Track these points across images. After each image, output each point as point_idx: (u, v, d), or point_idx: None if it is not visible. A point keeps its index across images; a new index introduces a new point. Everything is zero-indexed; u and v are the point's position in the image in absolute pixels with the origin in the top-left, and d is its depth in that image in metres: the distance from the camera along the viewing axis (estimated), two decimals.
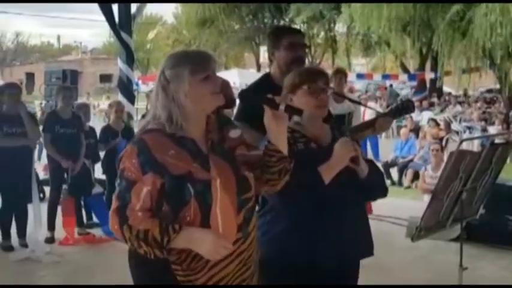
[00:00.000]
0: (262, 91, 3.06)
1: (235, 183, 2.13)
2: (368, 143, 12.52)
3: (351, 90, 20.00)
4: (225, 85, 4.79)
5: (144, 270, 2.17)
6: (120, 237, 2.06)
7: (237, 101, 3.03)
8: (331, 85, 6.08)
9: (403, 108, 3.62)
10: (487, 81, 28.94)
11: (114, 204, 2.08)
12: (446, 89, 28.76)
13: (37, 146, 6.65)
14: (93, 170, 7.60)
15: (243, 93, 2.58)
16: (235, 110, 3.36)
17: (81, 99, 15.50)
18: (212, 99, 2.14)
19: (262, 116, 2.21)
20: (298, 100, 2.58)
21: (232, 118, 3.02)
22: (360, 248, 2.66)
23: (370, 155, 12.34)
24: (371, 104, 18.21)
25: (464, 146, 9.73)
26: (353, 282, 2.76)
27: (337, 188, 2.49)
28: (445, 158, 9.87)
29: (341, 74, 6.29)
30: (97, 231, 6.76)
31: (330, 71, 6.53)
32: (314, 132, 2.62)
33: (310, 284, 2.55)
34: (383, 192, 2.76)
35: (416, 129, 15.79)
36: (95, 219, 7.31)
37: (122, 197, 2.06)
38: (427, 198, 8.53)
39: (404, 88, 29.53)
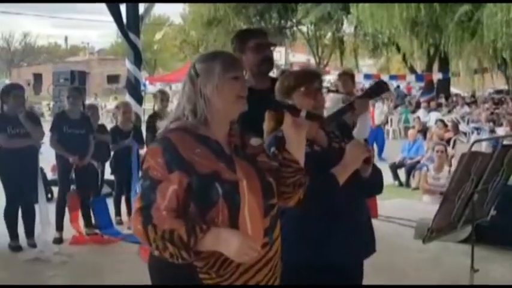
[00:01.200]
0: None
1: (261, 188, 2.08)
2: (375, 144, 12.53)
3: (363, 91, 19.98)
4: None
5: (169, 278, 2.08)
6: (143, 238, 1.97)
7: None
8: (338, 86, 6.09)
9: (377, 88, 3.67)
10: (496, 82, 28.86)
11: (137, 204, 2.01)
12: (453, 90, 28.71)
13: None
14: (103, 170, 7.61)
15: None
16: None
17: (88, 100, 15.55)
18: (237, 101, 2.10)
19: (242, 122, 2.21)
20: (294, 103, 2.56)
21: None
22: (366, 246, 2.67)
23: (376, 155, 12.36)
24: (378, 104, 18.16)
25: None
26: (359, 282, 2.76)
27: (346, 189, 2.49)
28: (453, 159, 9.88)
29: (346, 75, 6.28)
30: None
31: (337, 72, 6.55)
32: (313, 134, 2.60)
33: (319, 285, 2.55)
34: (380, 190, 2.79)
35: (424, 130, 15.76)
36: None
37: (146, 197, 1.98)
38: (426, 198, 8.51)
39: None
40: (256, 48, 3.30)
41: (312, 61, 36.36)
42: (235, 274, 2.02)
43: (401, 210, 7.50)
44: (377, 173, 2.67)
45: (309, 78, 2.60)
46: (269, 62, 3.35)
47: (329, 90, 5.76)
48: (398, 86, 28.35)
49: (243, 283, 2.04)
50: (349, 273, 2.62)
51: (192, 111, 2.08)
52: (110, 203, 7.33)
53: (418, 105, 22.63)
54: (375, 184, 2.69)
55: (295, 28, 35.40)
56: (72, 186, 6.97)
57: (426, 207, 7.43)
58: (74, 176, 6.68)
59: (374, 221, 2.79)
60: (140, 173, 2.10)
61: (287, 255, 2.34)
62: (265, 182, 2.11)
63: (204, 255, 1.99)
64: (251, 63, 3.31)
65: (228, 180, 2.01)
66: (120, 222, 7.16)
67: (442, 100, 23.91)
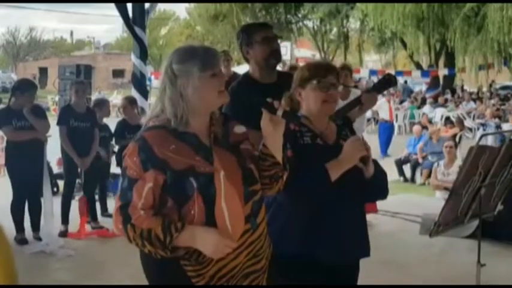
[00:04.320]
0: (244, 89, 3.11)
1: (242, 175, 2.13)
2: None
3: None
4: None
5: (156, 269, 2.16)
6: (125, 236, 2.07)
7: None
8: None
9: (386, 82, 3.65)
10: (502, 77, 28.77)
11: (117, 203, 2.08)
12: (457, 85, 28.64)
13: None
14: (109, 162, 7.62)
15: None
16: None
17: (94, 94, 15.56)
18: (218, 97, 2.14)
19: (248, 115, 2.21)
20: (306, 94, 2.56)
21: None
22: (357, 247, 2.62)
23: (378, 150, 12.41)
24: (382, 100, 18.06)
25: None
26: (352, 282, 2.71)
27: (340, 185, 2.45)
28: (458, 154, 9.88)
29: (346, 70, 6.24)
30: (111, 225, 6.75)
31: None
32: (320, 128, 2.59)
33: (310, 284, 2.52)
34: (384, 195, 2.71)
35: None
36: (109, 211, 7.36)
37: (124, 196, 2.07)
38: (439, 194, 8.56)
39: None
40: (263, 42, 3.30)
41: (318, 56, 36.30)
42: (213, 260, 2.09)
43: (406, 205, 7.49)
44: (380, 176, 2.62)
45: (324, 71, 2.58)
46: (277, 55, 3.34)
47: (345, 86, 5.72)
48: (405, 82, 28.26)
49: (221, 267, 2.10)
50: (339, 272, 2.56)
51: (174, 114, 2.10)
52: None
53: (423, 101, 22.56)
54: (377, 187, 2.62)
55: (301, 23, 35.34)
56: (78, 180, 7.01)
57: (431, 203, 7.42)
58: (79, 169, 6.70)
59: (379, 216, 2.78)
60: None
61: (278, 247, 2.34)
62: (246, 169, 2.16)
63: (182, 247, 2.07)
64: (259, 57, 3.31)
65: (203, 173, 2.06)
66: None
67: (448, 96, 23.83)
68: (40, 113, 6.37)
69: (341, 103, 5.76)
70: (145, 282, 2.24)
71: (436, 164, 9.24)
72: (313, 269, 2.49)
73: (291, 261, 2.47)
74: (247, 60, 3.41)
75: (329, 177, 2.43)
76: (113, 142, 7.48)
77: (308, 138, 2.54)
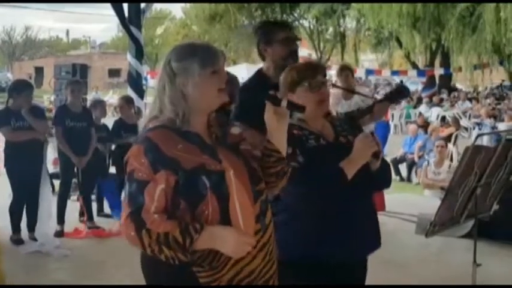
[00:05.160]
0: (257, 88, 3.08)
1: (248, 175, 2.08)
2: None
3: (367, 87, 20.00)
4: (233, 81, 4.77)
5: (164, 278, 2.06)
6: (137, 244, 1.94)
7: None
8: (337, 82, 6.07)
9: (398, 93, 3.67)
10: (498, 77, 28.82)
11: (127, 209, 1.96)
12: (456, 85, 28.69)
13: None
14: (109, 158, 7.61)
15: (239, 91, 2.56)
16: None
17: (90, 94, 15.52)
18: (218, 95, 2.08)
19: (259, 113, 2.17)
20: (298, 97, 2.53)
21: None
22: (368, 243, 2.64)
23: None
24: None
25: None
26: (362, 281, 2.72)
27: (354, 183, 2.46)
28: (454, 154, 9.90)
29: (347, 70, 6.24)
30: (107, 225, 6.76)
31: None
32: (318, 128, 2.59)
33: (322, 284, 2.52)
34: (388, 185, 2.77)
35: (425, 126, 15.71)
36: (106, 211, 7.38)
37: (135, 200, 1.95)
38: (428, 192, 8.58)
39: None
40: (283, 42, 3.29)
41: (314, 56, 36.31)
42: (228, 264, 2.02)
43: (402, 205, 7.50)
44: (386, 167, 2.65)
45: (312, 72, 2.58)
46: (295, 56, 3.33)
47: (333, 86, 5.75)
48: (401, 81, 28.32)
49: (238, 271, 2.03)
50: (351, 271, 2.58)
51: (175, 112, 2.04)
52: None
53: (419, 101, 22.61)
54: (384, 178, 2.67)
55: (297, 22, 35.34)
56: (74, 180, 6.99)
57: (427, 202, 7.44)
58: (76, 169, 6.68)
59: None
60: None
61: (288, 249, 2.32)
62: (251, 168, 2.11)
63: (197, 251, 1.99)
64: (277, 56, 3.29)
65: (214, 171, 2.00)
66: None
67: (444, 95, 23.87)
68: (39, 113, 6.36)
69: (344, 103, 5.81)
70: (145, 282, 2.17)
71: (426, 163, 9.26)
72: (326, 269, 2.49)
73: (304, 262, 2.47)
74: (262, 57, 3.38)
75: (345, 176, 2.43)
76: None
77: (312, 141, 2.54)
